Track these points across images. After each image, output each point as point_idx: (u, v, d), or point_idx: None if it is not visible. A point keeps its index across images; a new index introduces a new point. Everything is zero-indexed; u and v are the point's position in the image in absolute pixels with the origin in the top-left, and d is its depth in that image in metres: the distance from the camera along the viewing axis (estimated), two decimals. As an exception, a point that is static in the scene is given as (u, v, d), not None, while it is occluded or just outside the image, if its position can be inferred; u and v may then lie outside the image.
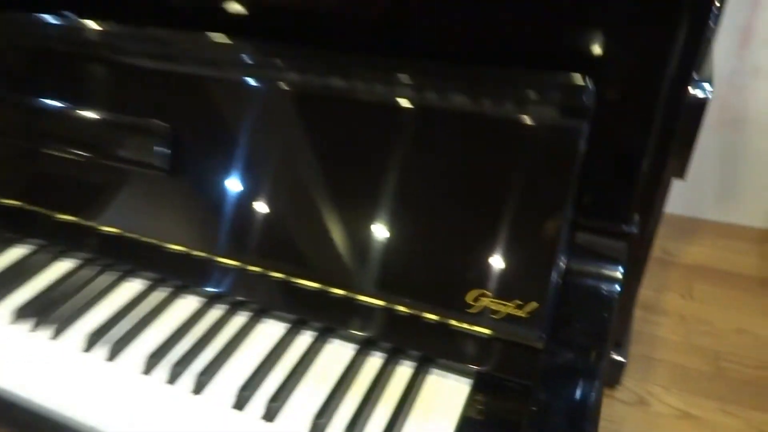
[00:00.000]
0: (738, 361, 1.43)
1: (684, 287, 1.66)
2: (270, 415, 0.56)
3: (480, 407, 0.56)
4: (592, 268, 0.56)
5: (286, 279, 0.63)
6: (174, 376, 0.59)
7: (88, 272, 0.72)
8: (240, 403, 0.57)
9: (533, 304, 0.53)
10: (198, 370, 0.60)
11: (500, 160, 0.56)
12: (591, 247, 0.57)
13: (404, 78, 0.59)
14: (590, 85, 0.53)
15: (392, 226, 0.59)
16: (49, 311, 0.66)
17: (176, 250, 0.67)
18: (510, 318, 0.54)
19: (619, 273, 0.56)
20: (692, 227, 1.83)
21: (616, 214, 0.55)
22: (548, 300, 0.53)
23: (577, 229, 0.57)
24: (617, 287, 0.55)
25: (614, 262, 0.56)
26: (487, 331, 0.55)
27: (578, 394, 0.50)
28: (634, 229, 0.55)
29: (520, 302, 0.53)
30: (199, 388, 0.59)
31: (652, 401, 1.33)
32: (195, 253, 0.67)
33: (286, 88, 0.64)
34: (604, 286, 0.56)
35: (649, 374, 1.40)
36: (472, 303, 0.55)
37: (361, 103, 0.61)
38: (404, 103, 0.60)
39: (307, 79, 0.63)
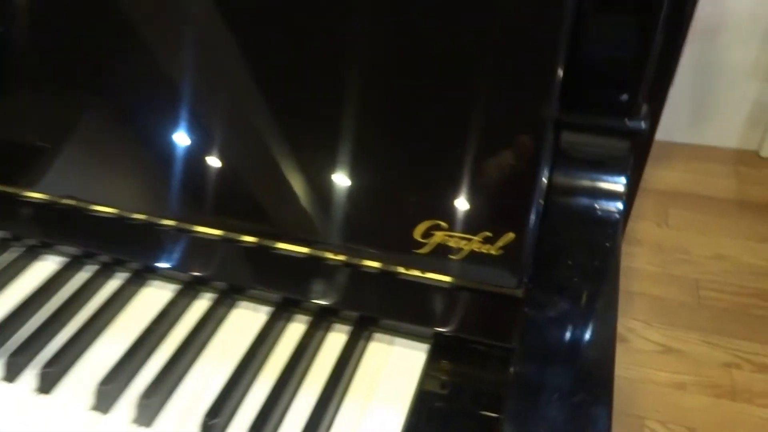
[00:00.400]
0: (718, 289, 1.36)
1: (659, 215, 1.57)
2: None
3: (442, 380, 0.40)
4: (586, 180, 0.40)
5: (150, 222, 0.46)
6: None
7: None
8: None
9: (508, 236, 0.37)
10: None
11: (455, 28, 0.38)
12: (584, 153, 0.41)
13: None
14: None
15: (306, 141, 0.42)
16: None
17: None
18: (476, 257, 0.38)
19: (622, 185, 0.40)
20: (664, 152, 1.72)
21: (620, 105, 0.39)
22: (528, 229, 0.37)
23: (563, 128, 0.41)
24: (620, 206, 0.40)
25: (616, 170, 0.40)
26: (444, 277, 0.39)
27: (577, 357, 0.35)
28: (643, 125, 0.39)
29: (488, 234, 0.37)
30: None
31: (631, 338, 1.24)
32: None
33: None
34: (604, 205, 0.40)
35: (628, 309, 1.31)
36: (421, 240, 0.38)
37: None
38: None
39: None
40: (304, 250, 0.43)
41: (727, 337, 1.30)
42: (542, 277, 0.37)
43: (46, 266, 0.50)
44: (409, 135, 0.40)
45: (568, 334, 0.35)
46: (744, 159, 1.76)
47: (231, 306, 0.46)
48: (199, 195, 0.46)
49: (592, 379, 0.33)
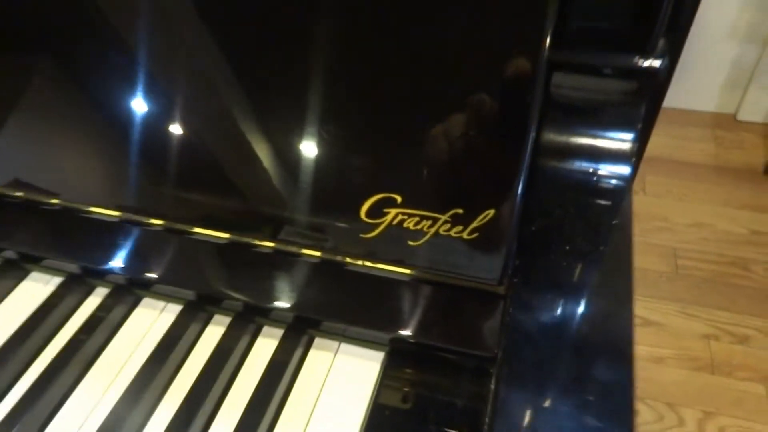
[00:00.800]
0: (697, 258, 1.31)
1: (637, 182, 1.50)
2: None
3: (401, 396, 0.31)
4: (585, 138, 0.30)
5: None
6: None
7: None
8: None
9: (486, 214, 0.27)
10: None
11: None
12: (583, 102, 0.31)
13: None
14: None
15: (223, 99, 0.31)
16: None
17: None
18: (442, 242, 0.28)
19: (629, 142, 0.30)
20: (640, 115, 1.65)
21: (631, 38, 0.29)
22: (513, 204, 0.27)
23: (556, 69, 0.31)
24: (629, 169, 0.30)
25: (625, 123, 0.30)
26: (402, 269, 0.30)
27: (585, 378, 0.26)
28: (658, 63, 0.29)
29: (459, 211, 0.28)
30: None
31: (609, 312, 1.19)
32: None
33: None
34: (609, 170, 0.30)
35: (605, 281, 1.26)
36: (370, 221, 0.29)
37: None
38: None
39: None
40: (224, 235, 0.33)
41: (706, 307, 1.27)
42: (530, 268, 0.28)
43: None
44: (355, 77, 0.29)
45: (567, 343, 0.26)
46: (721, 122, 1.71)
47: (131, 305, 0.36)
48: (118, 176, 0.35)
49: (608, 409, 0.24)
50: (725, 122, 1.71)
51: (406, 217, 0.28)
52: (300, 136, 0.30)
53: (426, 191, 0.28)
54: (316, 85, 0.31)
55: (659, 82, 0.30)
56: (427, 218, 0.28)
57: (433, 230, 0.28)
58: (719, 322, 1.20)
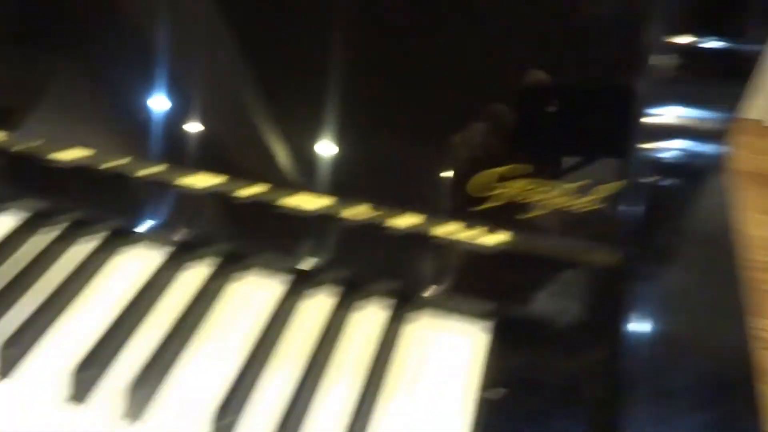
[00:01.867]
0: None
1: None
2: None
3: (506, 373, 0.32)
4: (693, 117, 0.31)
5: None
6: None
7: None
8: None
9: (610, 187, 0.28)
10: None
11: None
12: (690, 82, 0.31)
13: None
14: None
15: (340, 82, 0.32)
16: None
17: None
18: (565, 215, 0.29)
19: (725, 123, 0.31)
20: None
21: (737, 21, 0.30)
22: (634, 178, 0.28)
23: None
24: (722, 148, 0.31)
25: (724, 105, 0.31)
26: (518, 243, 0.30)
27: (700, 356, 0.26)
28: (761, 47, 0.30)
29: (583, 184, 0.28)
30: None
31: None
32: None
33: None
34: (713, 150, 0.31)
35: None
36: (482, 195, 0.29)
37: None
38: None
39: None
40: (314, 204, 0.34)
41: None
42: (648, 240, 0.29)
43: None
44: (474, 60, 0.30)
45: (684, 317, 0.27)
46: (749, 128, 1.70)
47: (235, 274, 0.37)
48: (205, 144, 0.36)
49: (727, 384, 0.25)
50: (753, 128, 1.71)
51: (524, 190, 0.29)
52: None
53: (547, 163, 0.29)
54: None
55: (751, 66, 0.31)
56: (545, 189, 0.29)
57: (554, 202, 0.29)
58: (751, 327, 1.19)
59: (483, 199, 0.31)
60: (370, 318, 0.35)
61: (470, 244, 0.32)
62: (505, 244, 0.31)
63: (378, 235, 0.33)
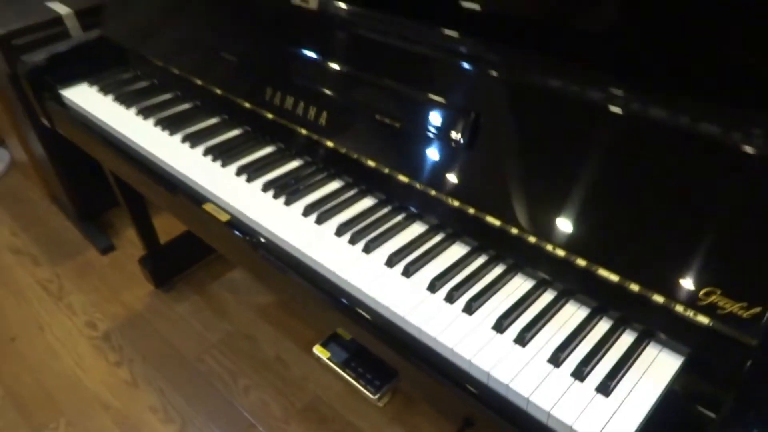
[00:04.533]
0: None
1: None
2: (522, 342, 0.75)
3: (685, 382, 0.69)
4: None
5: (555, 253, 0.80)
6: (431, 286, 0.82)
7: (387, 211, 0.98)
8: (499, 327, 0.77)
9: (756, 309, 0.63)
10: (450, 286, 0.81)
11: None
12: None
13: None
14: None
15: (655, 226, 0.72)
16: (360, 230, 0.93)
17: (453, 205, 0.88)
18: (732, 316, 0.65)
19: None
20: None
21: None
22: (771, 308, 0.62)
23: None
24: None
25: None
26: (708, 321, 0.67)
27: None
28: None
29: (744, 304, 0.64)
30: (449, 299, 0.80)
31: None
32: (470, 210, 0.87)
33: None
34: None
35: None
36: (703, 297, 0.67)
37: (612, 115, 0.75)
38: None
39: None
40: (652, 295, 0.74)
41: None
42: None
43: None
44: (713, 239, 0.68)
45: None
46: None
47: (568, 300, 0.80)
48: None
49: None
50: None
51: (720, 299, 0.65)
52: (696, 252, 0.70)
53: (732, 290, 0.65)
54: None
55: None
56: (729, 303, 0.65)
57: (730, 308, 0.64)
58: None
59: (702, 299, 0.68)
60: (626, 337, 0.74)
61: (690, 319, 0.69)
62: (701, 322, 0.67)
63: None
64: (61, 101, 1.43)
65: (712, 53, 0.72)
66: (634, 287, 0.72)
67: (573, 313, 0.79)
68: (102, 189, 2.07)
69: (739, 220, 0.67)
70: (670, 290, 0.69)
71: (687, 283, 0.68)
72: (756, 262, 0.65)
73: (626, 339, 0.75)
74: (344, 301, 0.85)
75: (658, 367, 0.71)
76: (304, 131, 1.09)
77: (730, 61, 0.71)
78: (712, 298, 0.66)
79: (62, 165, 2.08)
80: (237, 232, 1.00)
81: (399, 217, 0.97)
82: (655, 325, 0.73)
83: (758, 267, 0.65)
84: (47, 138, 1.97)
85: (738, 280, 0.65)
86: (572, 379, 0.71)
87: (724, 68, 0.72)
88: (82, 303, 2.01)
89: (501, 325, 0.77)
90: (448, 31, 0.91)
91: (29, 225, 2.39)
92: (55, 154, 2.04)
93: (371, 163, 0.98)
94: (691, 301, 0.68)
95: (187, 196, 1.10)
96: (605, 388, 0.69)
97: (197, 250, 2.04)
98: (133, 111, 1.33)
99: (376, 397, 0.86)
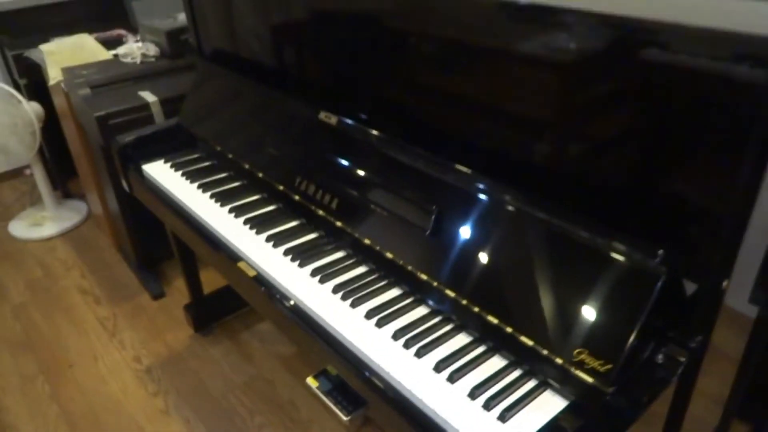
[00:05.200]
0: None
1: None
2: (452, 380, 1.02)
3: (568, 419, 0.94)
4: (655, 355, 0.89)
5: (479, 313, 1.08)
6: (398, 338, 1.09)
7: (370, 274, 1.28)
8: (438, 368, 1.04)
9: (609, 365, 0.89)
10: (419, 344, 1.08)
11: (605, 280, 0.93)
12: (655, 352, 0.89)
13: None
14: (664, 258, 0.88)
15: (546, 303, 1.00)
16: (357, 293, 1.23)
17: (422, 277, 1.17)
18: (594, 370, 0.90)
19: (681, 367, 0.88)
20: None
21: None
22: (620, 364, 0.88)
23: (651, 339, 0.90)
24: (675, 372, 0.87)
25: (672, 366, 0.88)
26: (579, 373, 0.93)
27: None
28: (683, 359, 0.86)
29: (602, 361, 0.90)
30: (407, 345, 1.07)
31: None
32: (435, 283, 1.16)
33: (510, 214, 1.09)
34: (664, 363, 0.88)
35: None
36: (576, 355, 0.93)
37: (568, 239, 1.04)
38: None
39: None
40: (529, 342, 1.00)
41: None
42: (623, 385, 0.87)
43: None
44: (585, 321, 0.94)
45: (621, 416, 0.85)
46: None
47: (494, 353, 1.06)
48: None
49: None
50: None
51: (586, 357, 0.91)
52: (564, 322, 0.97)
53: (595, 350, 0.91)
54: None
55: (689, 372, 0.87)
56: (593, 359, 0.90)
57: (592, 364, 0.90)
58: None
59: (575, 356, 0.94)
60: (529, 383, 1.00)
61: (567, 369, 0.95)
62: (575, 373, 0.93)
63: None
64: (141, 173, 1.82)
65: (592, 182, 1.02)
66: (537, 347, 0.99)
67: (495, 363, 1.05)
68: (160, 244, 2.47)
69: (598, 301, 0.94)
70: (558, 350, 0.95)
71: (567, 345, 0.94)
72: (611, 331, 0.91)
73: (530, 383, 1.01)
74: (347, 359, 1.14)
75: (547, 406, 0.96)
76: (321, 212, 1.42)
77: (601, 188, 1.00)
78: (582, 356, 0.92)
79: (131, 221, 2.48)
80: (260, 286, 1.32)
81: (408, 301, 1.26)
82: (548, 375, 0.99)
83: (611, 335, 0.91)
84: (122, 198, 2.39)
85: (598, 344, 0.91)
86: (482, 409, 0.97)
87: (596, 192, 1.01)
88: (132, 340, 2.35)
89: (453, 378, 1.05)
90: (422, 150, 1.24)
91: (96, 269, 2.79)
92: (126, 211, 2.45)
93: (367, 241, 1.29)
94: (569, 357, 0.94)
95: (226, 254, 1.44)
96: (503, 416, 0.95)
97: (234, 302, 2.37)
98: (195, 185, 1.70)
99: (348, 418, 1.12)
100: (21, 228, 3.11)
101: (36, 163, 2.97)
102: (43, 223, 3.11)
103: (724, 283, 0.87)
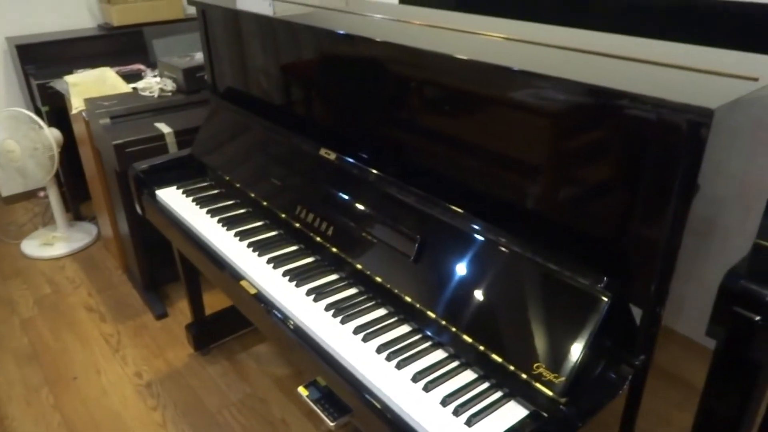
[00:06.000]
0: None
1: None
2: (427, 390, 1.14)
3: (524, 424, 1.06)
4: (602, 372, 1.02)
5: (456, 332, 1.21)
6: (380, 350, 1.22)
7: (360, 295, 1.42)
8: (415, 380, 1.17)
9: (562, 378, 1.01)
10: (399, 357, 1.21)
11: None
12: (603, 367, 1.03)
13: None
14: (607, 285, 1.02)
15: (514, 325, 1.13)
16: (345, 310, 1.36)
17: (406, 299, 1.31)
18: (550, 382, 1.03)
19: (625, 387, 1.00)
20: None
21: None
22: (572, 377, 1.01)
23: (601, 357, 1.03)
24: (621, 386, 1.00)
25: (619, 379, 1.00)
26: (537, 385, 1.05)
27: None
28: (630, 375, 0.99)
29: (556, 375, 1.02)
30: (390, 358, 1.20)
31: None
32: (417, 305, 1.29)
33: (482, 245, 1.24)
34: (612, 379, 1.01)
35: None
36: (535, 369, 1.06)
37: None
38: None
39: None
40: (505, 364, 1.13)
41: None
42: (573, 396, 1.00)
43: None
44: (545, 339, 1.08)
45: (569, 423, 0.98)
46: None
47: (465, 368, 1.19)
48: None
49: None
50: None
51: (544, 370, 1.04)
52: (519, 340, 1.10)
53: (551, 365, 1.03)
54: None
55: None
56: (548, 373, 1.03)
57: (548, 377, 1.02)
58: None
59: (534, 369, 1.06)
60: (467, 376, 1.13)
61: (529, 382, 1.07)
62: (535, 385, 1.06)
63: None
64: (154, 197, 1.98)
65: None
66: (505, 363, 1.12)
67: (466, 376, 1.18)
68: (165, 266, 2.61)
69: (554, 322, 1.07)
70: (521, 365, 1.08)
71: (528, 360, 1.07)
72: (564, 348, 1.04)
73: (497, 394, 1.13)
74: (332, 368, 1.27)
75: (510, 414, 1.09)
76: (318, 238, 1.56)
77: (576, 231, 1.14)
78: (540, 369, 1.05)
79: (139, 243, 2.62)
80: (260, 303, 1.45)
81: (392, 320, 1.40)
82: (512, 387, 1.12)
83: (564, 352, 1.04)
84: (133, 221, 2.54)
85: (553, 360, 1.05)
86: (452, 414, 1.09)
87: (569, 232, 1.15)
88: (134, 356, 2.46)
89: (416, 379, 1.17)
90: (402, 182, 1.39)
91: (103, 288, 2.92)
92: (135, 234, 2.60)
93: (359, 266, 1.43)
94: (529, 371, 1.07)
95: (230, 273, 1.57)
96: (470, 421, 1.07)
97: (234, 324, 2.49)
98: (204, 210, 1.85)
99: (333, 424, 1.24)
100: (33, 247, 3.25)
101: (51, 185, 3.14)
102: (54, 243, 3.25)
103: (659, 309, 1.00)
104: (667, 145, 0.92)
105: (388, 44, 1.38)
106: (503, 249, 1.19)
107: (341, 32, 1.51)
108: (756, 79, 0.94)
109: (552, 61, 1.16)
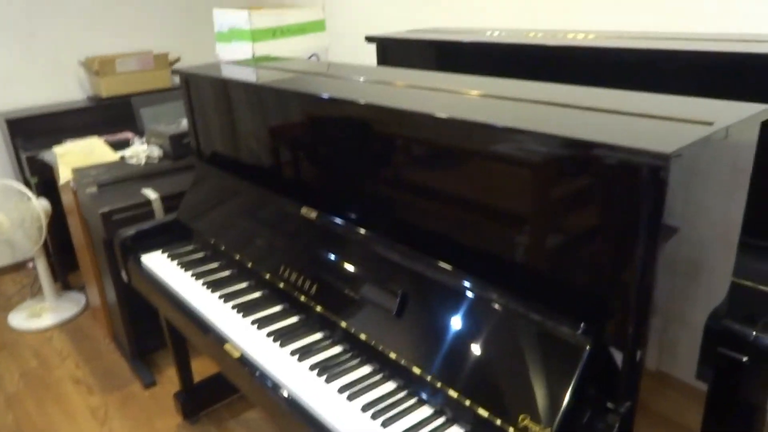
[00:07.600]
0: None
1: None
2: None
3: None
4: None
5: (441, 387, 1.20)
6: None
7: (345, 353, 1.40)
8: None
9: (547, 428, 1.00)
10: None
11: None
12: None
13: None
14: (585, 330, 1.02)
15: (499, 376, 1.12)
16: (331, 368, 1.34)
17: (391, 356, 1.30)
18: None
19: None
20: None
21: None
22: (557, 427, 0.99)
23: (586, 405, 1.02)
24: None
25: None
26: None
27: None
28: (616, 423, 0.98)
29: (541, 425, 1.01)
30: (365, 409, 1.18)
31: None
32: (402, 362, 1.28)
33: (467, 300, 1.24)
34: (599, 427, 0.99)
35: None
36: (521, 420, 1.04)
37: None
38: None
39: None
40: (493, 419, 1.11)
41: None
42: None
43: (389, 384, 1.30)
44: (529, 392, 1.06)
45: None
46: None
47: (447, 425, 1.17)
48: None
49: None
50: None
51: (529, 422, 1.02)
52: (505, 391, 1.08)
53: (536, 417, 1.02)
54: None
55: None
56: (534, 425, 1.01)
57: (534, 428, 1.01)
58: None
59: (519, 421, 1.05)
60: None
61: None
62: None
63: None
64: (139, 263, 1.98)
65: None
66: (491, 418, 1.10)
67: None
68: (153, 334, 2.58)
69: (537, 371, 1.06)
70: (507, 418, 1.07)
71: (514, 411, 1.06)
72: (548, 398, 1.03)
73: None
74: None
75: (497, 470, 1.06)
76: (302, 298, 1.56)
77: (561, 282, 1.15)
78: (525, 421, 1.04)
79: (127, 311, 2.60)
80: (244, 366, 1.43)
81: (378, 377, 1.38)
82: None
83: (548, 402, 1.03)
84: (120, 290, 2.52)
85: (538, 410, 1.03)
86: (439, 473, 1.07)
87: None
88: (122, 427, 2.39)
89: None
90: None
91: (91, 359, 2.87)
92: (123, 302, 2.57)
93: (343, 324, 1.42)
94: (515, 423, 1.05)
95: (214, 337, 1.56)
96: (457, 479, 1.04)
97: (222, 390, 2.44)
98: (189, 273, 1.85)
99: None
100: (20, 319, 3.21)
101: (39, 256, 3.13)
102: (41, 314, 3.21)
103: (639, 351, 1.00)
104: (630, 189, 0.94)
105: (369, 106, 1.42)
106: (482, 300, 1.19)
107: (325, 96, 1.55)
108: (711, 123, 0.98)
109: (521, 115, 1.19)
